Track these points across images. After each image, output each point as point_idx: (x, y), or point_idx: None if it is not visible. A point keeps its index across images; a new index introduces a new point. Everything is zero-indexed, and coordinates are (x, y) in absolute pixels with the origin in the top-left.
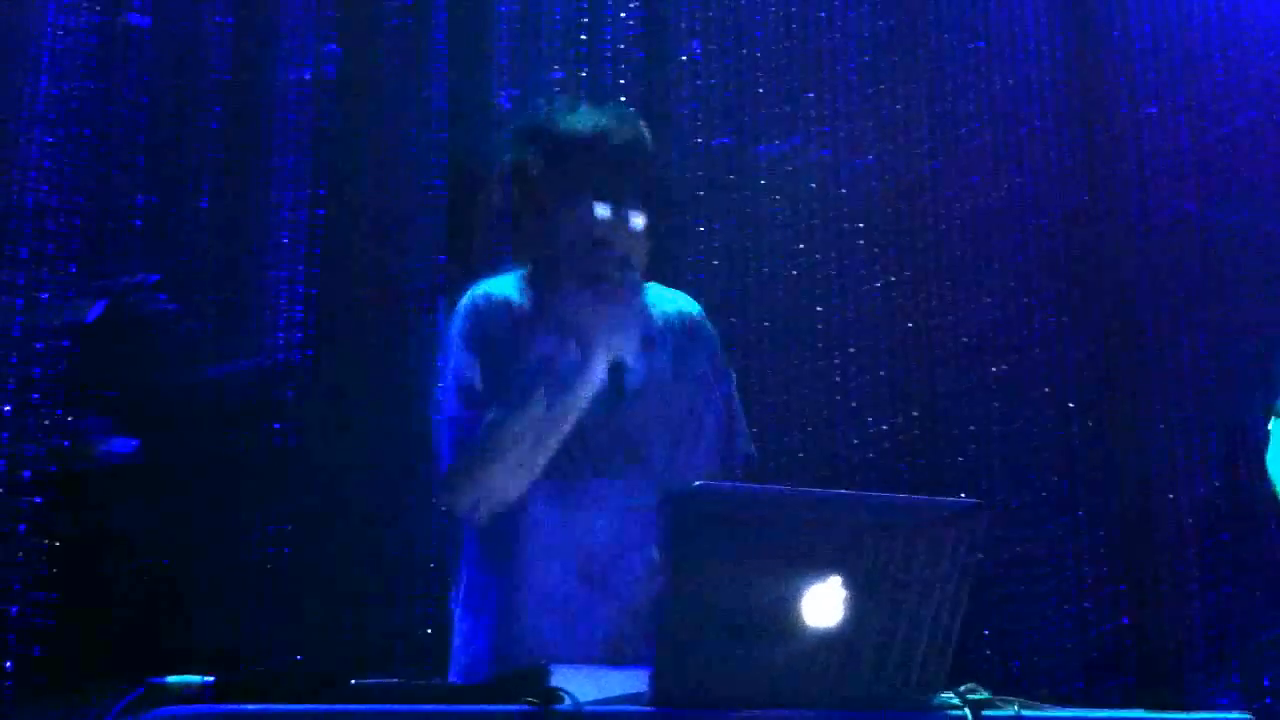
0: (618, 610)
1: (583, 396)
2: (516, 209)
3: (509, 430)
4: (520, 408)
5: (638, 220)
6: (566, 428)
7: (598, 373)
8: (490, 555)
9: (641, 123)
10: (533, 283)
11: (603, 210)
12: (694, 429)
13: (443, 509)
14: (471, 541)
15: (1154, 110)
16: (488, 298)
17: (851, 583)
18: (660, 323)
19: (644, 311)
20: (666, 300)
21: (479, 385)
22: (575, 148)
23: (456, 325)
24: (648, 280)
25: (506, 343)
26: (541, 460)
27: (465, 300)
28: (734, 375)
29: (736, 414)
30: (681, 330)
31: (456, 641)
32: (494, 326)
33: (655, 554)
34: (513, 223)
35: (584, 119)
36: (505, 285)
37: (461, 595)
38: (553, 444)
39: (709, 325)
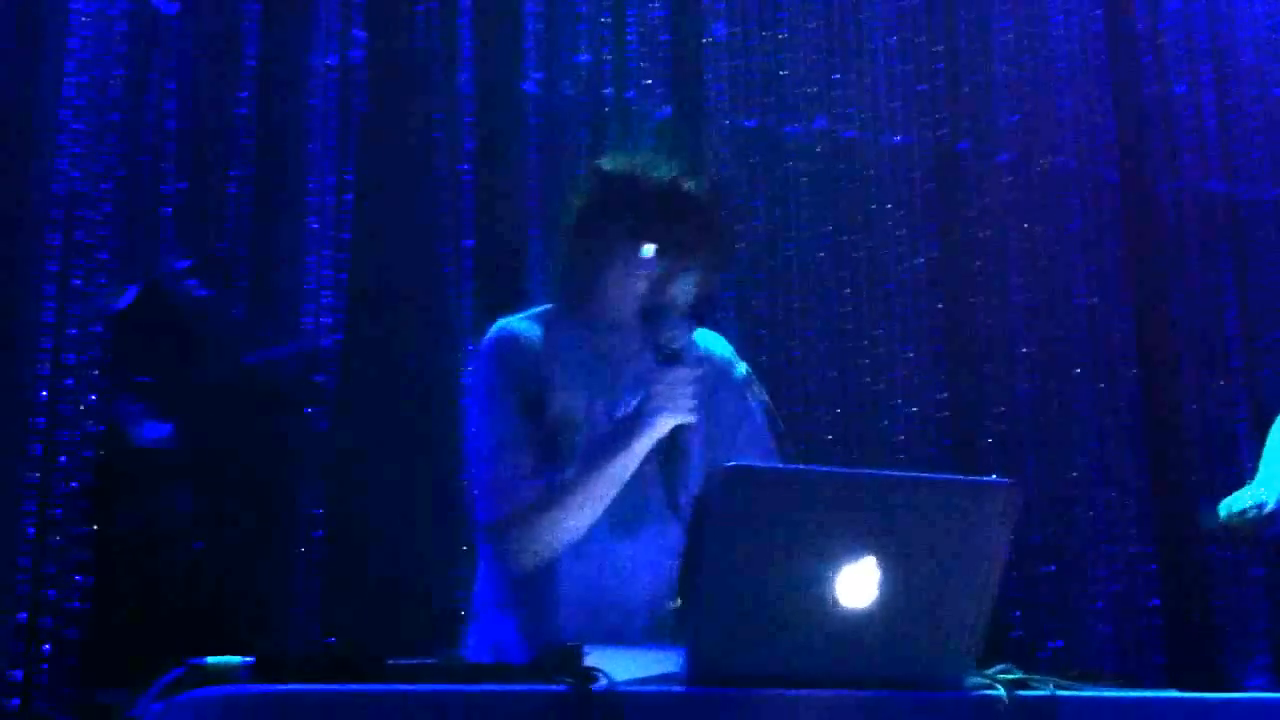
0: (647, 617)
1: (645, 449)
2: (578, 247)
3: (574, 495)
4: (585, 473)
5: (698, 279)
6: (622, 484)
7: (660, 434)
8: (511, 595)
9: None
10: (559, 321)
11: (668, 265)
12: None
13: (494, 559)
14: (491, 572)
15: (1183, 89)
16: (511, 336)
17: (885, 562)
18: (704, 364)
19: (701, 368)
20: (698, 338)
21: (515, 428)
22: (649, 197)
23: (483, 368)
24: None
25: (535, 382)
26: (595, 516)
27: (488, 341)
28: (768, 403)
29: (780, 443)
30: (720, 371)
31: (474, 635)
32: (521, 366)
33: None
34: (571, 259)
35: (658, 170)
36: (526, 324)
37: (483, 595)
38: (608, 501)
39: (737, 362)
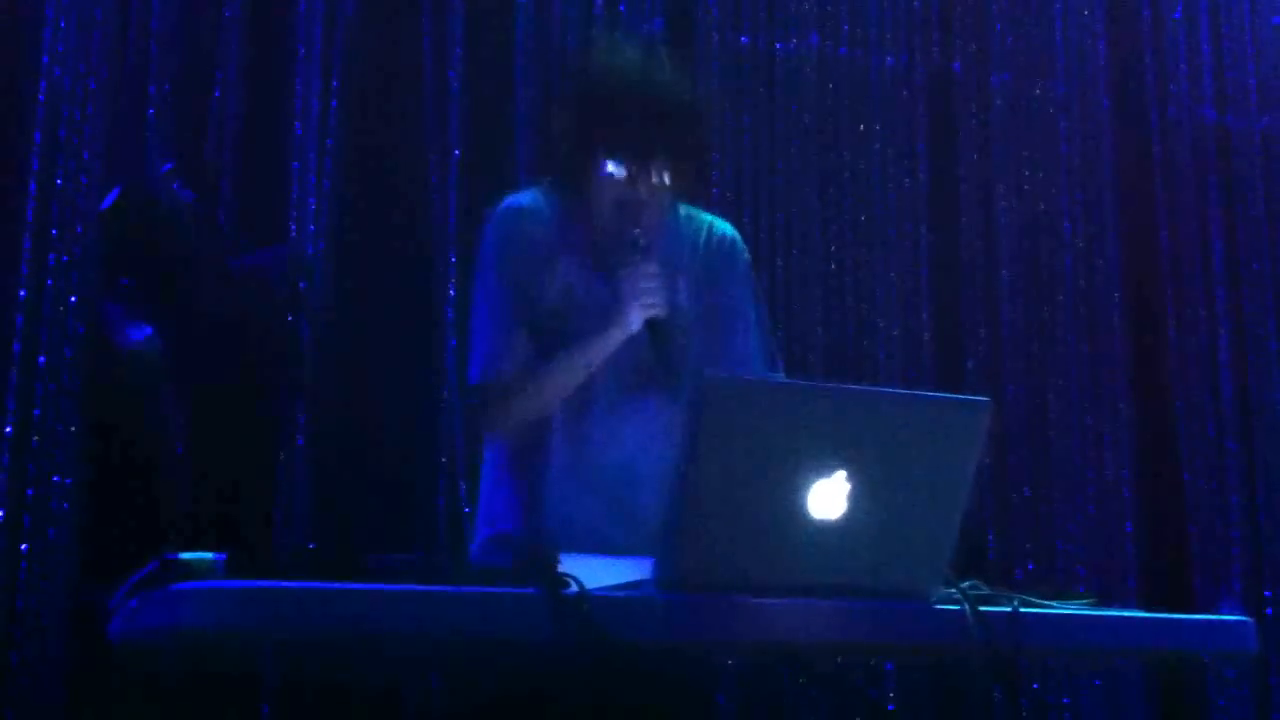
0: (639, 531)
1: (617, 342)
2: (556, 131)
3: (548, 377)
4: (560, 358)
5: (662, 178)
6: (596, 366)
7: (634, 327)
8: (511, 471)
9: (684, 70)
10: (562, 199)
11: (624, 171)
12: (722, 355)
13: (467, 418)
14: (494, 452)
15: (1178, 15)
16: (518, 213)
17: (857, 476)
18: (689, 248)
19: (674, 252)
20: (699, 223)
21: (509, 304)
22: (610, 99)
23: (489, 241)
24: (683, 201)
25: (537, 262)
26: (568, 392)
27: (497, 215)
28: (763, 299)
29: (768, 340)
30: (712, 255)
31: (482, 506)
32: (525, 245)
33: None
34: (552, 140)
35: (625, 67)
36: (534, 200)
37: (490, 467)
38: (582, 378)
39: (742, 250)
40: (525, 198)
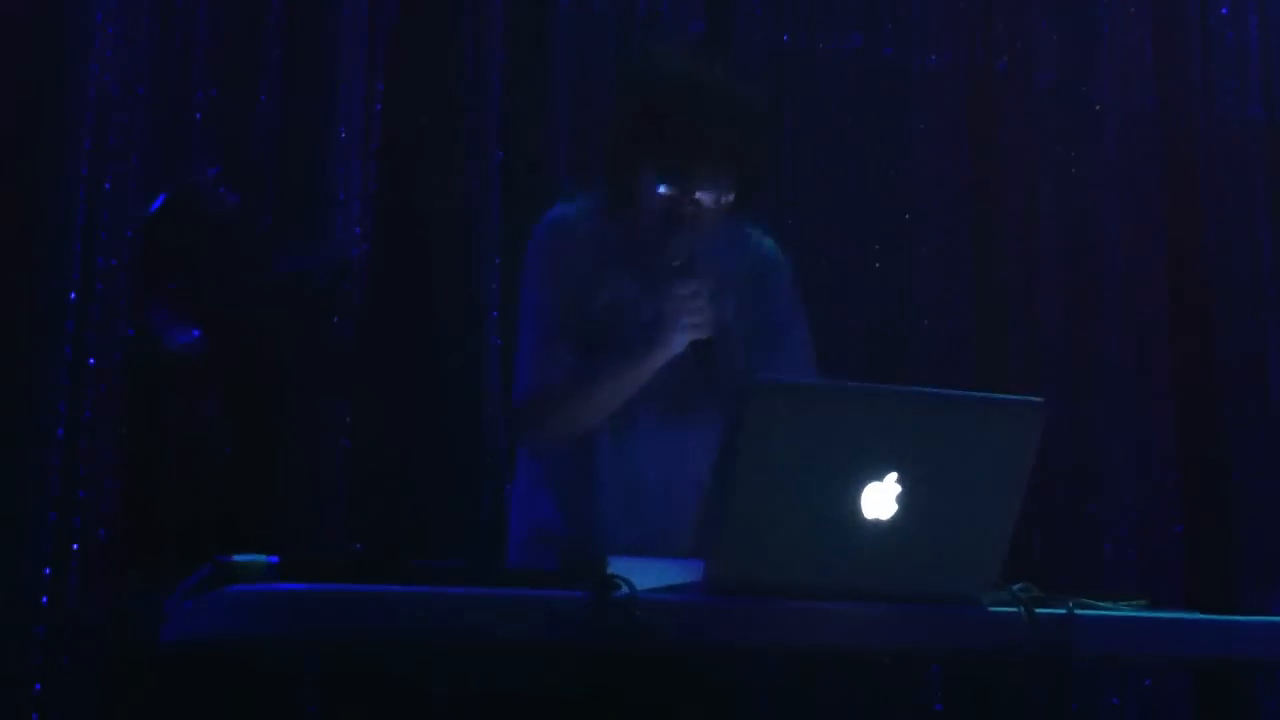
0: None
1: (659, 363)
2: (604, 142)
3: (591, 391)
4: (605, 375)
5: (717, 198)
6: (639, 385)
7: (676, 349)
8: (554, 475)
9: (741, 84)
10: (609, 211)
11: (674, 190)
12: (770, 371)
13: (513, 433)
14: (534, 456)
15: (1226, 11)
16: (564, 226)
17: (909, 478)
18: (736, 262)
19: (721, 270)
20: (743, 236)
21: (555, 319)
22: (664, 114)
23: (533, 255)
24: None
25: (582, 276)
26: (612, 409)
27: (542, 229)
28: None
29: (812, 354)
30: (758, 269)
31: (516, 513)
32: (571, 257)
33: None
34: (600, 151)
35: (679, 81)
36: (579, 212)
37: (526, 475)
38: (626, 397)
39: (785, 263)
40: (570, 210)
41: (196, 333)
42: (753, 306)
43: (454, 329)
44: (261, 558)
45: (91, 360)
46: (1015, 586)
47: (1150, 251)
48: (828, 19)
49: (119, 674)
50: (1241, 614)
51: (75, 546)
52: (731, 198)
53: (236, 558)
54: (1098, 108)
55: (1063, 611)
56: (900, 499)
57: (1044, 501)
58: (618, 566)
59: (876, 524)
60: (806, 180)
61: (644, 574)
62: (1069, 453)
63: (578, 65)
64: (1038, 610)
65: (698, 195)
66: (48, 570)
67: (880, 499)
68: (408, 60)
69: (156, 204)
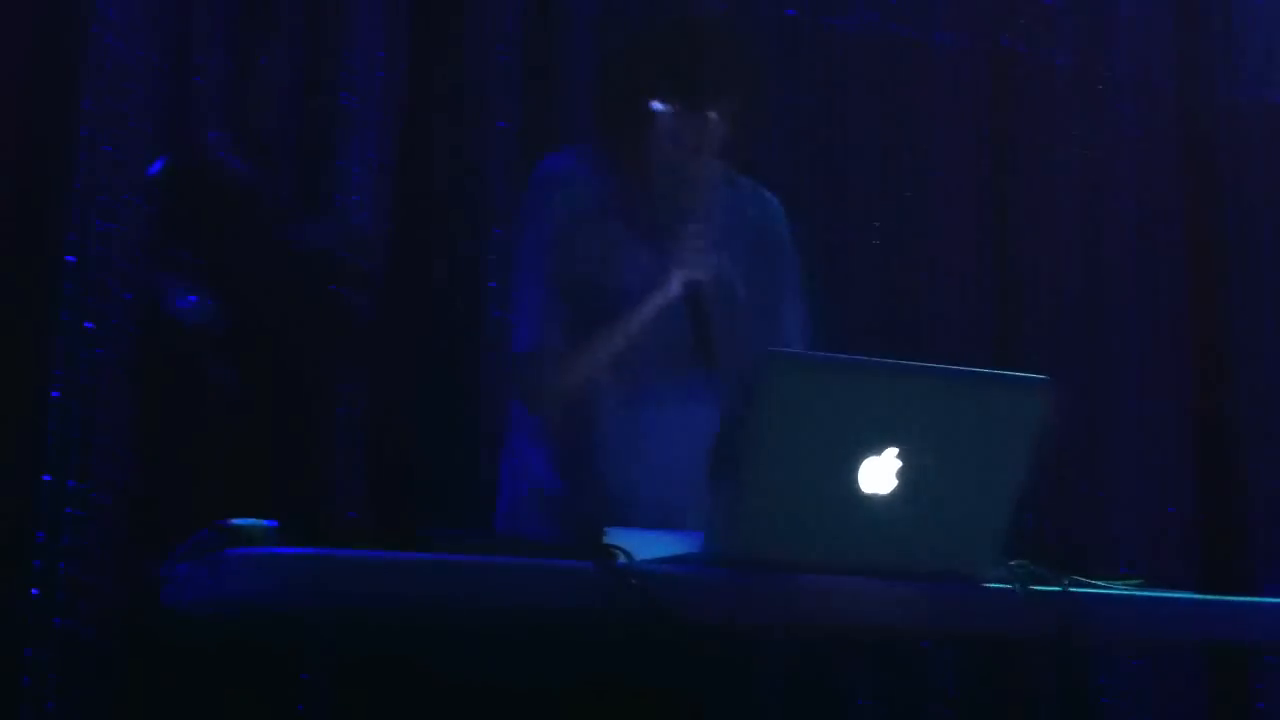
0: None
1: (656, 308)
2: (605, 82)
3: (590, 344)
4: (607, 325)
5: (716, 122)
6: (636, 331)
7: (674, 291)
8: (551, 433)
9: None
10: (609, 158)
11: (678, 117)
12: (765, 333)
13: (516, 388)
14: (528, 413)
15: None
16: (560, 176)
17: (913, 453)
18: (736, 220)
19: (722, 220)
20: (745, 195)
21: (551, 270)
22: (656, 42)
23: (528, 204)
24: (729, 169)
25: (578, 225)
26: (610, 358)
27: (536, 178)
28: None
29: (808, 321)
30: (758, 230)
31: (507, 471)
32: (565, 208)
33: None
34: (601, 93)
35: (676, 8)
36: (577, 159)
37: (519, 432)
38: (623, 344)
39: (785, 224)
40: (566, 158)
41: (199, 297)
42: (756, 259)
43: (457, 298)
44: (261, 522)
45: (89, 324)
46: (1013, 563)
47: (1168, 235)
48: None
49: (127, 644)
50: (1249, 593)
51: (69, 510)
52: (734, 124)
53: (236, 521)
54: (1114, 91)
55: (1058, 589)
56: (903, 474)
57: (1054, 478)
58: (616, 537)
59: (877, 498)
60: (821, 158)
61: (644, 545)
62: (1082, 435)
63: (587, 34)
64: (1034, 587)
65: (702, 117)
66: (40, 535)
67: (883, 473)
68: (415, 28)
69: (156, 166)
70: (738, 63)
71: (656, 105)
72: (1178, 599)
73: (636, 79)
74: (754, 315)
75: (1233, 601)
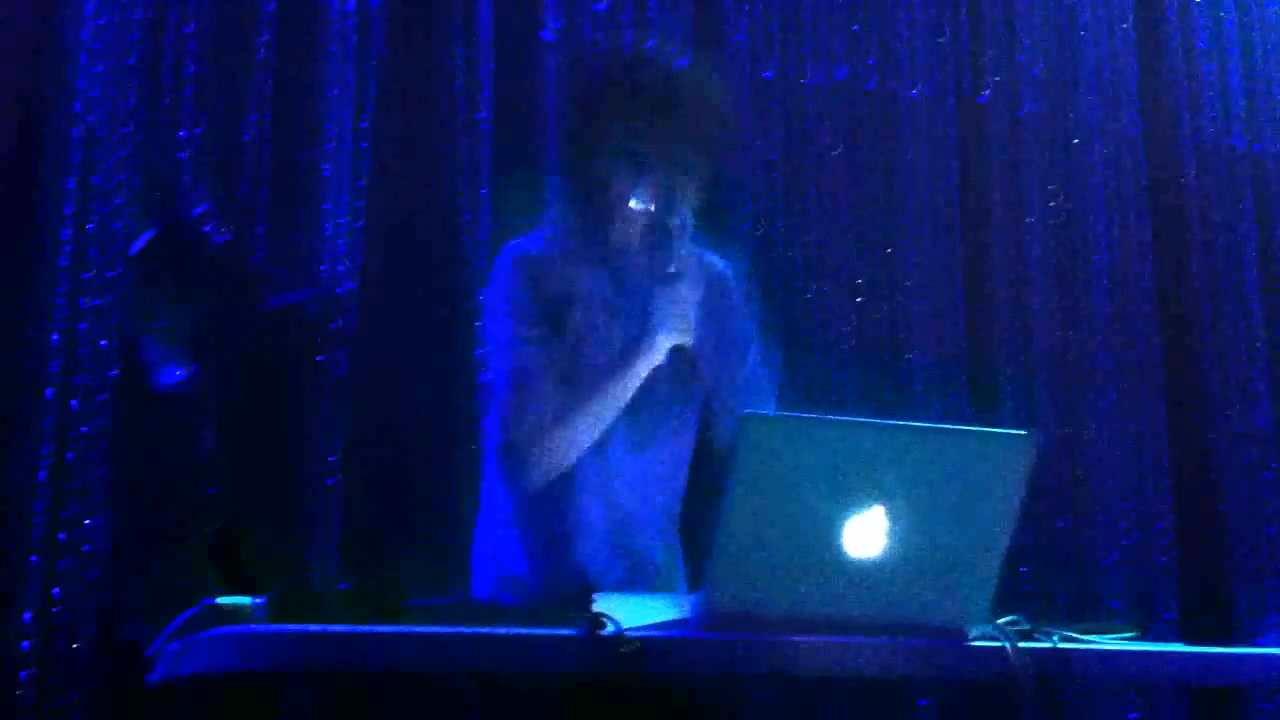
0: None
1: (646, 370)
2: (568, 160)
3: (581, 416)
4: (591, 394)
5: (697, 189)
6: (628, 398)
7: (660, 355)
8: (526, 512)
9: (711, 75)
10: (577, 235)
11: (643, 195)
12: (730, 387)
13: (506, 478)
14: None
15: (1204, 44)
16: (528, 255)
17: (898, 512)
18: (694, 278)
19: (698, 285)
20: (697, 254)
21: (530, 350)
22: (629, 107)
23: (498, 293)
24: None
25: (554, 302)
26: (601, 430)
27: (505, 265)
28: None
29: (763, 376)
30: (713, 286)
31: (479, 559)
32: (536, 292)
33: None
34: (571, 178)
35: (644, 72)
36: (543, 242)
37: (490, 517)
38: (610, 420)
39: (734, 286)
40: (531, 243)
41: (186, 371)
42: (712, 320)
43: (440, 365)
44: (249, 599)
45: (74, 403)
46: (1005, 619)
47: (1139, 281)
48: (812, 53)
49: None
50: (1234, 640)
51: (55, 591)
52: (699, 191)
53: (223, 600)
54: (1076, 141)
55: (1049, 644)
56: (889, 532)
57: (1035, 528)
58: (604, 604)
59: (865, 557)
60: (796, 212)
61: (630, 610)
62: (1059, 478)
63: (566, 100)
64: (1023, 644)
65: (670, 178)
66: (28, 616)
67: (870, 532)
68: (395, 96)
69: (141, 242)
70: (712, 121)
71: (625, 166)
72: (1168, 650)
73: (608, 136)
74: (716, 376)
75: (1221, 653)
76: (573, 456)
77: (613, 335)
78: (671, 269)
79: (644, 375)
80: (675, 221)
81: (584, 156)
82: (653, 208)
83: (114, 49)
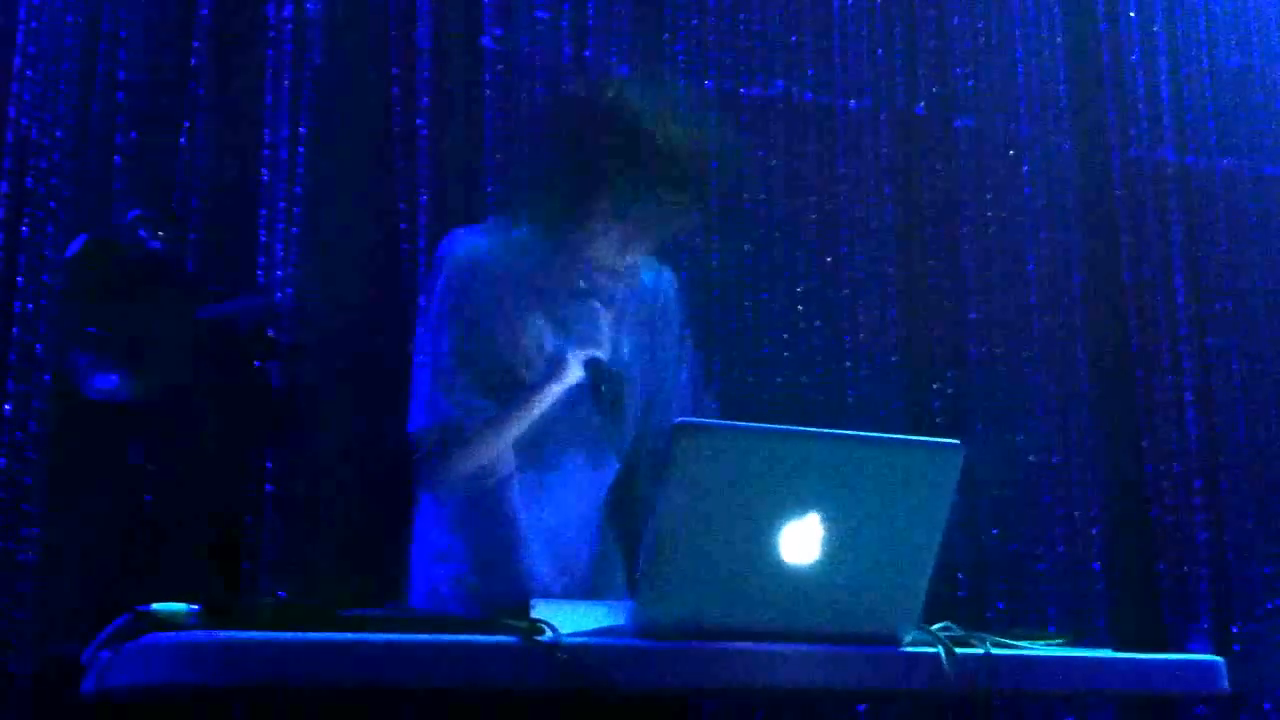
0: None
1: (555, 393)
2: (565, 175)
3: (493, 427)
4: (508, 407)
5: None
6: (536, 415)
7: (574, 371)
8: (462, 520)
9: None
10: (521, 242)
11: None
12: (659, 407)
13: (422, 482)
14: (439, 501)
15: (1136, 57)
16: (477, 258)
17: (831, 520)
18: (634, 294)
19: (621, 295)
20: (643, 268)
21: (456, 355)
22: (656, 164)
23: (442, 283)
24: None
25: (488, 314)
26: (510, 440)
27: (454, 258)
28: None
29: (700, 395)
30: (654, 304)
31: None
32: (477, 296)
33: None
34: (554, 185)
35: (680, 132)
36: (488, 239)
37: (424, 526)
38: (524, 428)
39: (678, 299)
40: (476, 236)
41: (117, 379)
42: (648, 330)
43: (377, 373)
44: (182, 606)
45: (8, 407)
46: (936, 626)
47: (1070, 292)
48: (749, 65)
49: None
50: (1165, 648)
51: None
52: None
53: (156, 606)
54: (1010, 153)
55: (981, 651)
56: (823, 540)
57: (968, 536)
58: (542, 611)
59: (799, 565)
60: (731, 224)
61: (568, 618)
62: (992, 487)
63: (504, 109)
64: (958, 650)
65: (661, 227)
66: None
67: (802, 540)
68: (332, 104)
69: (74, 247)
70: (706, 166)
71: (635, 200)
72: (1099, 657)
73: (598, 174)
74: (646, 386)
75: (1150, 659)
76: (482, 466)
77: (545, 341)
78: (582, 284)
79: (558, 391)
80: (636, 253)
81: (589, 173)
82: (640, 239)
83: (48, 53)
